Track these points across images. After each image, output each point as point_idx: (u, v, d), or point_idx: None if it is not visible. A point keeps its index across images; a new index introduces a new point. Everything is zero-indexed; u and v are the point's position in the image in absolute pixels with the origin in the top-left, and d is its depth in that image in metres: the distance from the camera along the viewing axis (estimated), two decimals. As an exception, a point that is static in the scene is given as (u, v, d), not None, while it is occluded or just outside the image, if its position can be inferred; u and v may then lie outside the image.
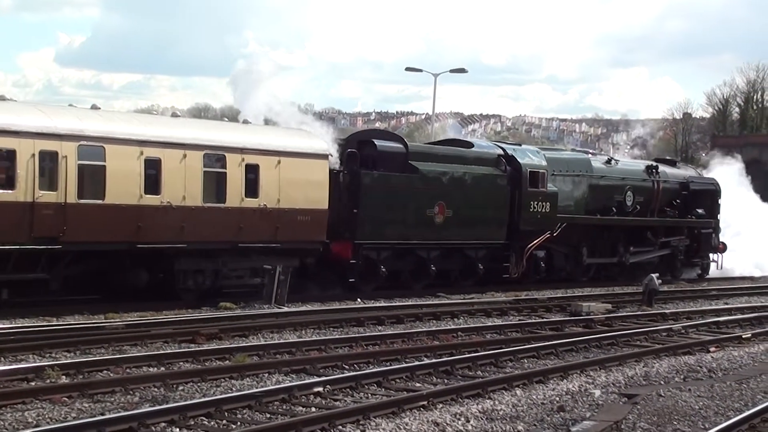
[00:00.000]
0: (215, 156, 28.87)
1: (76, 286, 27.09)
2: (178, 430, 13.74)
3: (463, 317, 28.66)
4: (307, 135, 32.15)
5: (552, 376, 19.13)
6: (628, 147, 56.38)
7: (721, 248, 48.68)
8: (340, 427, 14.01)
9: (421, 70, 66.12)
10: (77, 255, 26.31)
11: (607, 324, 28.24)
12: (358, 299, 31.08)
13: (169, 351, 20.29)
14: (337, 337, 23.32)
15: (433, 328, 25.60)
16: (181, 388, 16.80)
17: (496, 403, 16.42)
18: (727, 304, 35.86)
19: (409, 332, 24.40)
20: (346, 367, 19.53)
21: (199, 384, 17.14)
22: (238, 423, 14.33)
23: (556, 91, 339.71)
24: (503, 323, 27.40)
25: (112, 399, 15.68)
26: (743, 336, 26.45)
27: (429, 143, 42.34)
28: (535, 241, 38.17)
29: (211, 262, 29.03)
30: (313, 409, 15.38)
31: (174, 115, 30.67)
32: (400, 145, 35.19)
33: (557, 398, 17.11)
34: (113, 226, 26.33)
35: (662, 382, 19.32)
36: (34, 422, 13.88)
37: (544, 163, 38.90)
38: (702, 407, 16.82)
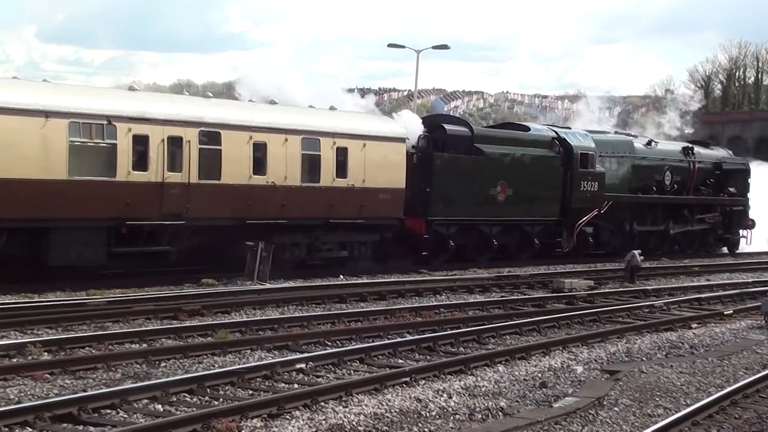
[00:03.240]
0: (311, 140, 31.44)
1: (190, 259, 29.13)
2: (160, 406, 13.71)
3: (445, 294, 28.70)
4: (387, 120, 35.83)
5: (534, 352, 19.18)
6: (611, 124, 56.45)
7: (750, 225, 51.55)
8: (322, 403, 14.00)
9: (403, 47, 65.93)
10: (195, 229, 28.65)
11: (589, 300, 28.31)
12: (341, 276, 31.09)
13: (151, 328, 20.26)
14: (319, 313, 23.34)
15: (416, 305, 25.62)
16: (163, 364, 16.77)
17: (479, 379, 16.44)
18: (708, 280, 35.95)
19: (391, 309, 24.41)
20: (329, 343, 19.53)
21: (181, 360, 17.12)
22: (221, 399, 14.32)
23: (539, 67, 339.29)
24: (486, 300, 27.44)
25: (95, 376, 15.65)
26: (725, 312, 26.57)
27: (489, 126, 44.60)
28: (584, 218, 41.13)
29: (305, 237, 31.78)
30: (296, 386, 15.38)
31: (271, 102, 32.58)
32: (467, 129, 38.04)
33: (539, 374, 17.15)
34: (227, 204, 29.11)
35: (644, 359, 19.38)
36: (16, 399, 13.83)
37: (592, 145, 41.58)
38: (684, 383, 16.88)
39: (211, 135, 28.84)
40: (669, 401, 15.51)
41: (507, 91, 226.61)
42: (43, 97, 25.78)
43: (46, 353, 17.11)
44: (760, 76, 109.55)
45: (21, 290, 24.45)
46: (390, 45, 67.53)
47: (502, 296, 28.74)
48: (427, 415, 13.93)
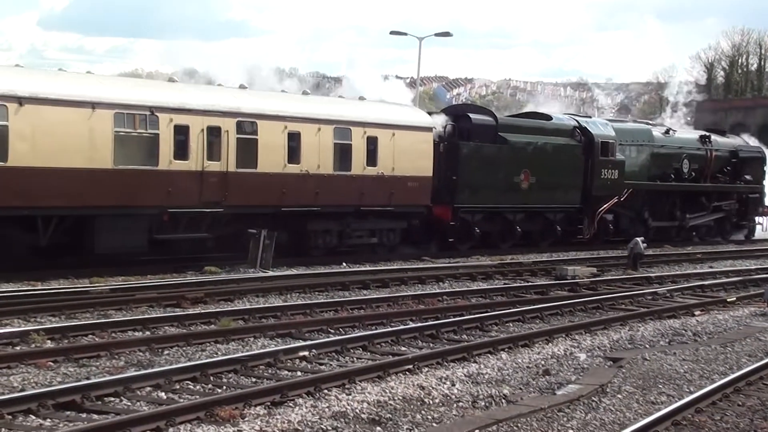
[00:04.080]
0: (343, 129, 32.40)
1: (226, 245, 29.98)
2: (163, 394, 13.72)
3: (448, 281, 28.70)
4: (414, 109, 36.95)
5: (537, 339, 19.18)
6: (613, 111, 56.66)
7: (766, 212, 52.84)
8: (325, 390, 14.00)
9: (405, 34, 65.85)
10: (233, 217, 29.46)
11: (592, 288, 28.30)
12: (344, 263, 31.09)
13: (154, 315, 20.28)
14: (322, 301, 23.33)
15: (419, 292, 25.63)
16: (166, 352, 16.78)
17: (482, 366, 16.44)
18: (711, 267, 35.94)
19: (394, 296, 24.42)
20: (332, 331, 19.54)
21: (184, 348, 17.13)
22: (224, 387, 14.32)
23: (541, 54, 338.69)
24: (488, 287, 27.41)
25: (98, 363, 15.66)
26: (728, 299, 26.55)
27: (512, 116, 45.08)
28: (605, 206, 42.21)
29: (337, 224, 32.79)
30: (299, 373, 15.37)
31: (304, 92, 33.74)
32: (491, 118, 38.86)
33: (542, 362, 17.14)
34: (263, 192, 30.04)
35: (647, 346, 19.38)
36: (20, 386, 13.84)
37: (613, 133, 42.61)
38: (687, 371, 16.88)
39: (248, 125, 29.77)
40: (672, 388, 15.50)
41: (509, 79, 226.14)
42: (89, 88, 26.60)
43: (49, 341, 17.13)
44: (762, 62, 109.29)
45: (24, 278, 24.46)
46: (392, 32, 67.40)
47: (505, 284, 28.72)
48: (431, 402, 13.93)
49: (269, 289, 24.78)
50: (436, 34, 65.14)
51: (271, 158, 30.18)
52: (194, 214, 28.56)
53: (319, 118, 31.63)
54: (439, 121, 36.59)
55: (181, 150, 27.99)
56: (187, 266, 27.82)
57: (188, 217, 28.51)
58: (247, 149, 29.61)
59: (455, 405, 13.90)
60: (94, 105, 26.12)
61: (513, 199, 38.34)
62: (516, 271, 31.65)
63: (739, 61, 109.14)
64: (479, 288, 27.19)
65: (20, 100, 24.87)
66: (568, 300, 24.91)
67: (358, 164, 32.83)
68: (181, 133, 28.00)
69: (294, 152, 30.80)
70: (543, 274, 31.48)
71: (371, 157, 33.21)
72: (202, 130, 28.37)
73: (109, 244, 26.90)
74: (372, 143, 33.23)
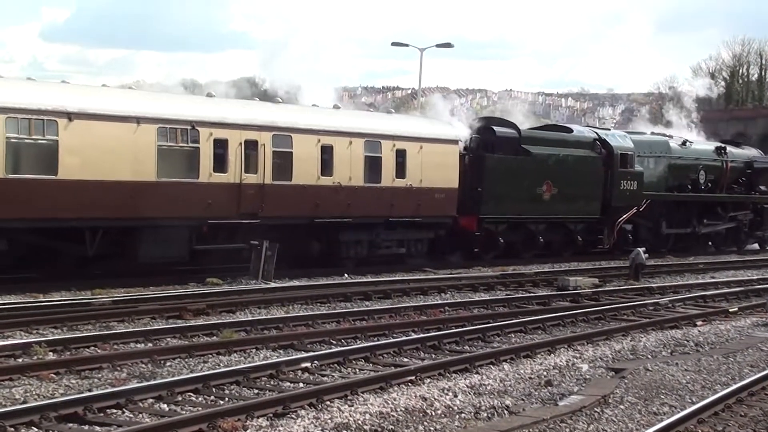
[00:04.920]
0: (373, 142, 33.34)
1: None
2: (165, 406, 13.71)
3: (450, 292, 28.71)
4: (441, 123, 37.33)
5: (539, 350, 19.16)
6: (614, 121, 56.90)
7: None
8: (328, 402, 13.99)
9: (407, 45, 65.90)
10: (269, 227, 29.93)
11: (594, 298, 28.28)
12: (345, 275, 31.10)
13: (156, 327, 20.27)
14: (324, 312, 23.34)
15: (421, 303, 25.64)
16: (168, 364, 16.77)
17: (484, 377, 16.44)
18: (713, 278, 35.92)
19: (396, 307, 24.42)
20: (334, 342, 19.52)
21: (186, 360, 17.12)
22: (226, 399, 14.32)
23: (542, 65, 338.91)
24: (490, 298, 27.42)
25: (100, 375, 15.66)
26: (730, 310, 26.54)
27: (533, 128, 45.58)
28: (624, 216, 42.94)
29: (367, 234, 33.63)
30: (301, 385, 15.38)
31: (335, 107, 34.38)
32: (515, 131, 39.50)
33: (545, 373, 17.14)
34: (298, 203, 30.90)
35: (649, 357, 19.37)
36: (22, 399, 13.83)
37: (631, 145, 43.42)
38: (689, 381, 16.87)
39: (283, 138, 30.56)
40: (674, 399, 15.49)
41: (510, 89, 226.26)
42: (134, 104, 27.56)
43: (51, 353, 17.13)
44: (763, 72, 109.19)
45: (26, 290, 24.50)
46: (394, 44, 67.45)
47: (507, 294, 28.73)
48: (433, 413, 13.93)
49: (271, 300, 24.79)
50: (438, 45, 65.20)
51: (305, 171, 31.11)
52: (232, 225, 29.33)
53: (350, 132, 32.57)
54: (464, 134, 37.40)
55: (220, 163, 28.93)
56: (189, 278, 27.83)
57: (226, 228, 29.29)
58: (283, 162, 30.54)
59: (458, 416, 13.89)
60: (138, 120, 27.04)
61: (535, 210, 39.20)
62: (518, 281, 31.65)
63: (740, 71, 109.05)
64: (481, 299, 27.20)
65: (70, 116, 25.76)
66: (570, 311, 24.89)
67: (388, 176, 33.78)
68: (220, 146, 28.95)
69: (327, 165, 31.77)
70: (545, 284, 31.48)
71: (400, 170, 34.15)
72: (240, 143, 29.29)
73: (152, 254, 27.78)
74: (401, 156, 34.17)
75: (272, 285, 27.87)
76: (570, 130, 43.08)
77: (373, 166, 33.30)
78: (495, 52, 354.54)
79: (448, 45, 66.30)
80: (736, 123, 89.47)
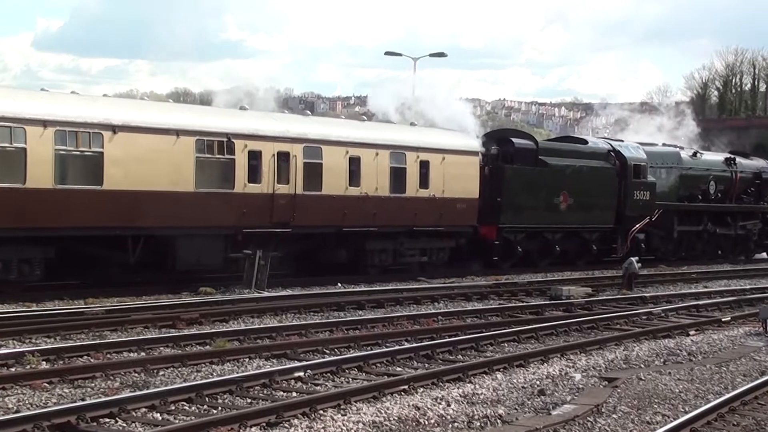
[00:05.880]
0: (398, 154, 34.48)
1: (290, 263, 32.13)
2: (159, 415, 13.69)
3: (443, 301, 28.71)
4: (462, 135, 38.07)
5: (532, 359, 19.17)
6: (607, 131, 56.95)
7: None
8: (321, 411, 13.98)
9: (400, 54, 66.12)
10: (299, 236, 31.46)
11: (587, 308, 28.30)
12: (338, 284, 31.12)
13: (149, 336, 20.27)
14: (317, 321, 23.33)
15: (414, 313, 25.63)
16: (161, 373, 16.76)
17: (477, 387, 16.44)
18: (706, 287, 35.95)
19: (389, 317, 24.42)
20: (327, 351, 19.51)
21: (179, 369, 17.11)
22: (219, 408, 14.31)
23: (535, 75, 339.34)
24: (483, 307, 27.43)
25: (93, 384, 15.64)
26: (723, 319, 26.55)
27: (549, 140, 47.51)
28: (637, 225, 43.93)
29: (392, 243, 34.71)
30: (294, 394, 15.36)
31: (362, 119, 36.01)
32: (532, 143, 40.98)
33: (538, 382, 17.14)
34: (327, 213, 31.96)
35: (642, 366, 19.37)
36: (15, 408, 13.82)
37: (644, 156, 44.71)
38: (682, 390, 16.87)
39: (313, 150, 31.63)
40: (667, 408, 15.50)
41: (504, 99, 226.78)
42: (174, 117, 28.77)
43: (44, 362, 17.12)
44: (756, 82, 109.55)
45: (19, 299, 24.49)
46: (387, 53, 67.87)
47: (500, 304, 28.75)
48: (426, 422, 13.92)
49: (264, 309, 24.78)
50: (431, 55, 65.44)
51: (334, 181, 32.21)
52: (265, 234, 30.21)
53: (376, 143, 33.71)
54: (484, 145, 38.33)
55: (254, 174, 29.93)
56: (181, 287, 27.84)
57: (259, 237, 30.03)
58: (313, 173, 31.57)
59: (450, 425, 13.89)
60: (178, 132, 28.15)
61: (552, 219, 40.31)
62: (511, 291, 31.67)
63: (733, 80, 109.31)
64: (474, 308, 27.21)
65: (114, 129, 26.83)
66: (563, 320, 24.90)
67: (412, 187, 34.83)
68: (254, 158, 29.96)
69: (354, 175, 32.88)
70: (538, 294, 31.51)
71: (423, 180, 35.20)
72: (273, 155, 30.31)
73: (189, 261, 28.69)
74: (424, 167, 35.24)
75: (265, 294, 27.89)
76: (585, 142, 44.43)
77: (397, 176, 34.44)
78: (488, 61, 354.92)
79: (441, 54, 66.52)
80: (729, 132, 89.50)
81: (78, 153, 26.31)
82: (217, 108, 32.40)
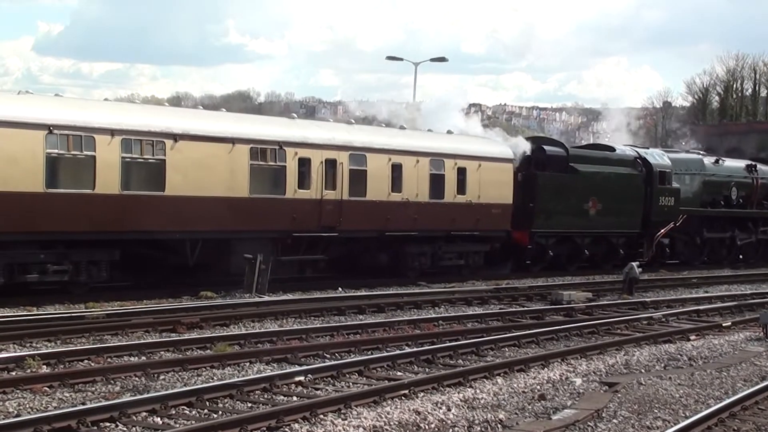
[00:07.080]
0: (437, 161, 35.70)
1: (336, 266, 33.62)
2: (159, 419, 13.71)
3: (444, 306, 28.72)
4: (496, 143, 39.70)
5: (533, 364, 19.17)
6: (608, 136, 57.07)
7: None
8: (321, 415, 13.99)
9: (401, 59, 66.14)
10: (345, 240, 32.85)
11: (588, 312, 28.31)
12: (339, 288, 31.15)
13: (150, 340, 20.28)
14: (318, 326, 23.33)
15: (414, 317, 25.61)
16: (162, 377, 16.78)
17: (477, 391, 16.44)
18: (707, 292, 35.97)
19: (390, 321, 24.43)
20: (327, 356, 19.54)
21: (180, 373, 17.12)
22: (220, 412, 14.31)
23: (536, 80, 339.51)
24: (484, 312, 27.44)
25: (93, 388, 15.65)
26: (723, 324, 26.55)
27: (578, 147, 48.55)
28: (662, 231, 45.06)
29: (431, 247, 35.87)
30: (295, 398, 15.38)
31: (401, 127, 37.03)
32: (563, 150, 42.26)
33: (538, 387, 17.15)
34: (371, 217, 33.26)
35: (643, 371, 19.38)
36: (15, 412, 13.83)
37: (669, 163, 45.81)
38: (682, 395, 16.87)
39: (358, 157, 32.90)
40: (668, 413, 15.50)
41: (505, 104, 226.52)
42: (229, 126, 29.89)
43: (45, 366, 17.13)
44: (757, 87, 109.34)
45: (20, 303, 24.49)
46: (388, 57, 67.81)
47: (500, 308, 28.77)
48: (426, 427, 13.93)
49: (265, 314, 24.80)
50: (432, 59, 65.48)
51: (378, 187, 33.41)
52: (313, 237, 31.58)
53: (417, 151, 34.92)
54: (517, 153, 39.43)
55: (304, 180, 31.07)
56: (182, 291, 27.86)
57: (308, 241, 31.49)
58: (358, 179, 32.80)
59: (451, 430, 13.90)
60: (233, 141, 29.31)
61: (582, 225, 41.49)
62: (511, 296, 31.69)
63: (734, 86, 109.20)
64: (475, 313, 27.21)
65: (175, 137, 27.97)
66: (563, 325, 24.91)
67: (450, 193, 35.96)
68: (304, 165, 31.10)
69: (396, 182, 34.07)
70: (539, 299, 31.53)
71: (461, 186, 36.31)
72: (321, 162, 31.55)
73: (242, 264, 28.96)
74: (461, 173, 36.35)
75: (266, 298, 27.89)
76: (613, 149, 45.07)
77: (436, 183, 35.51)
78: (489, 66, 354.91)
79: (442, 59, 66.53)
80: (730, 138, 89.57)
81: (142, 160, 27.41)
82: (269, 116, 33.64)
